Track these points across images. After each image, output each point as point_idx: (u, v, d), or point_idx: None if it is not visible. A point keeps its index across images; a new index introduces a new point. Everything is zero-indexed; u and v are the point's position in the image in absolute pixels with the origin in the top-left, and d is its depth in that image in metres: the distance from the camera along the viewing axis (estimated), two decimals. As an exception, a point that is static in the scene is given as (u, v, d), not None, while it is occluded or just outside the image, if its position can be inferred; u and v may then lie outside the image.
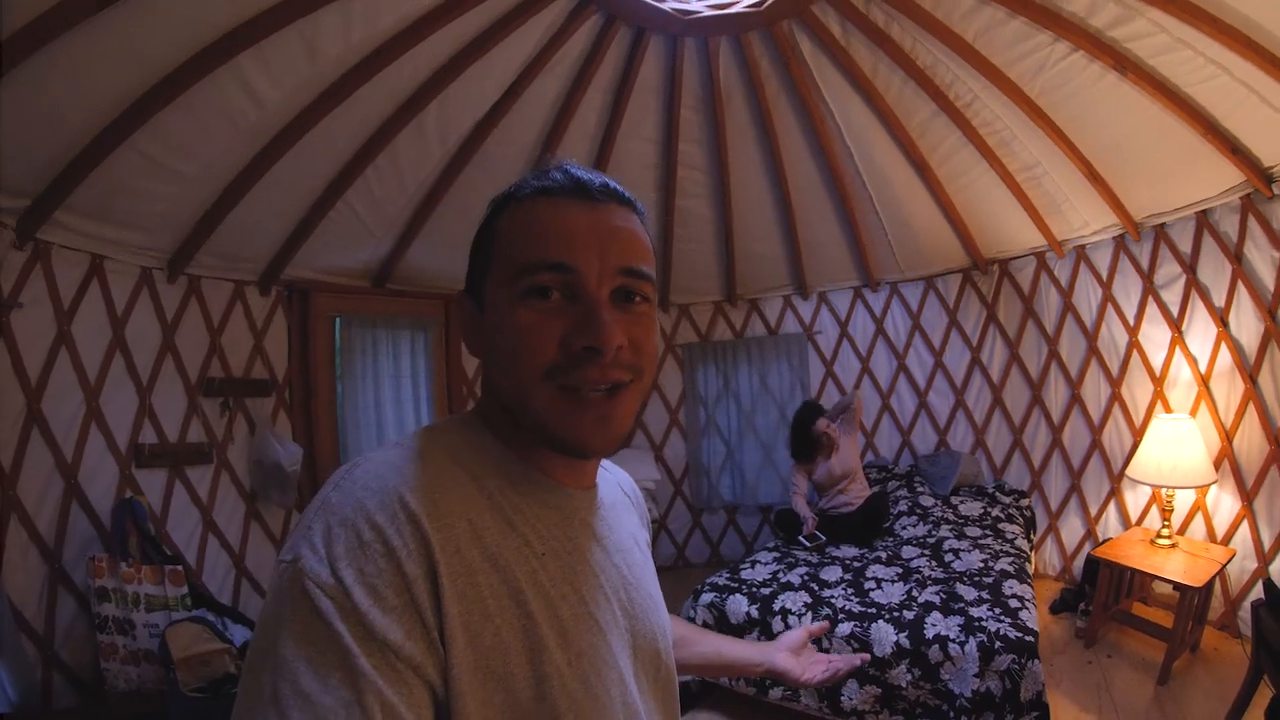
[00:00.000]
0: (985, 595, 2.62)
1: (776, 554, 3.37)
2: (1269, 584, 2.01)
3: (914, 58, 2.92)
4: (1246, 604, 2.82)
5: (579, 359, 0.55)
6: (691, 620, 2.85)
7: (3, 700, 2.08)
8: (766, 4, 2.75)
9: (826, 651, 2.48)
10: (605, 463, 0.75)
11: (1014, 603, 2.54)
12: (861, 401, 3.36)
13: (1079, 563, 3.57)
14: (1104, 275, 3.54)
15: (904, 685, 2.36)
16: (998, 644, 2.26)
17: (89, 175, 2.30)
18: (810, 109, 3.28)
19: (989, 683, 2.22)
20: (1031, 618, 2.44)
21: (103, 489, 2.64)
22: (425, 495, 0.51)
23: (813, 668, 1.01)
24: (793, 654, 1.02)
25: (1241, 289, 2.95)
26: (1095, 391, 3.65)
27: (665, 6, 2.78)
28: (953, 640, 2.33)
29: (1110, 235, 3.46)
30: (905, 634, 2.41)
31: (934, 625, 2.42)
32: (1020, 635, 2.27)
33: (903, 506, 3.78)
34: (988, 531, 3.36)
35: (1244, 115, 2.57)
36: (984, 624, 2.37)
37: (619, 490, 0.77)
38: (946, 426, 4.26)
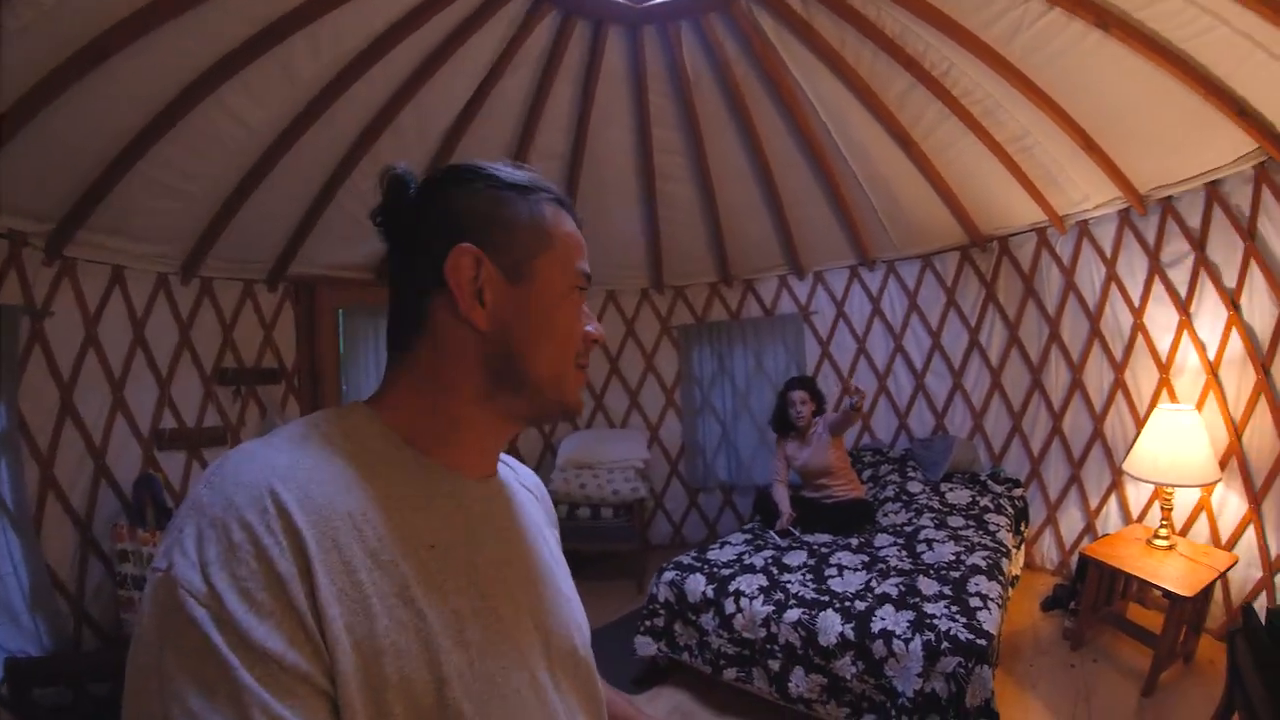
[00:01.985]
0: (947, 591, 2.41)
1: (749, 535, 3.22)
2: (1248, 611, 1.73)
3: (881, 27, 2.67)
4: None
5: (587, 342, 0.63)
6: (654, 596, 2.79)
7: (38, 646, 2.35)
8: (719, -16, 2.57)
9: (774, 638, 2.40)
10: (507, 457, 0.71)
11: (975, 601, 2.33)
12: (859, 413, 3.14)
13: (1077, 557, 3.24)
14: (1108, 252, 3.16)
15: (848, 677, 2.21)
16: (945, 644, 2.07)
17: (104, 199, 2.53)
18: (781, 87, 3.06)
19: (934, 684, 2.04)
20: (990, 620, 2.22)
21: (128, 469, 2.88)
22: (299, 486, 0.46)
23: None
24: None
25: (1255, 268, 2.58)
26: (1097, 377, 3.28)
27: (617, -2, 2.64)
28: (898, 636, 2.15)
29: (1114, 209, 3.08)
30: (852, 625, 2.25)
31: (883, 619, 2.24)
32: (971, 638, 2.07)
33: (889, 492, 3.53)
34: (971, 522, 3.09)
35: (1250, 72, 2.19)
36: (935, 622, 2.18)
37: (522, 486, 0.73)
38: (944, 410, 3.95)
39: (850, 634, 2.23)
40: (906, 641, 2.13)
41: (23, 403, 2.48)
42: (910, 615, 2.24)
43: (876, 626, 2.22)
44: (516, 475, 0.73)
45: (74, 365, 2.70)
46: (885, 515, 3.35)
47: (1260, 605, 2.60)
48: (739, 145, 3.51)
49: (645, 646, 2.75)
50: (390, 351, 0.60)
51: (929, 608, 2.29)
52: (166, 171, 2.61)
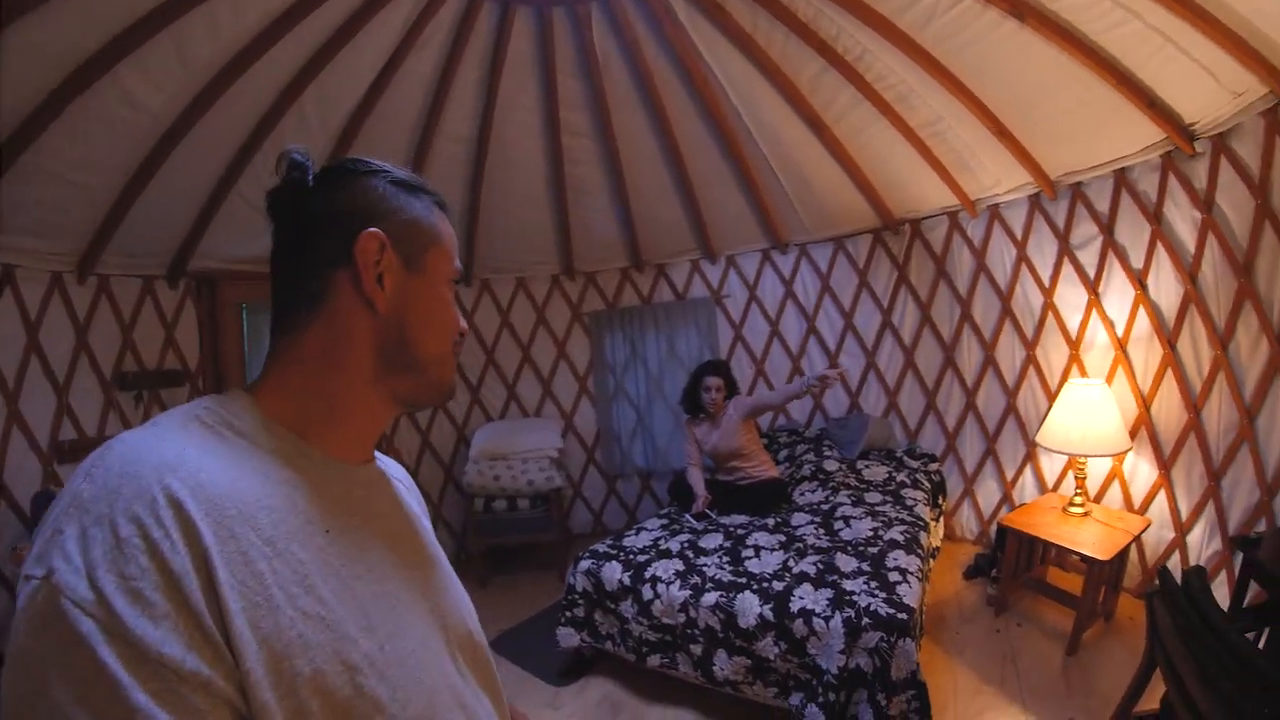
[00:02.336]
0: (865, 567, 2.42)
1: (664, 520, 3.19)
2: (1164, 573, 1.77)
3: (794, 10, 2.64)
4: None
5: (461, 335, 0.66)
6: (571, 587, 2.73)
7: None
8: (629, -36, 2.51)
9: (694, 622, 2.36)
10: (375, 452, 0.70)
11: (894, 576, 2.34)
12: (781, 404, 3.12)
13: (995, 527, 3.33)
14: (1019, 235, 3.23)
15: (772, 658, 2.20)
16: (865, 620, 2.07)
17: None
18: (692, 70, 3.02)
19: (857, 660, 2.04)
20: (910, 593, 2.23)
21: (27, 486, 2.67)
22: (189, 475, 0.43)
23: None
24: None
25: (1161, 251, 2.68)
26: (1010, 354, 3.36)
27: (524, -22, 2.55)
28: (818, 615, 2.14)
29: (1025, 194, 3.15)
30: (770, 606, 2.24)
31: (801, 598, 2.23)
32: (892, 613, 2.08)
33: (806, 471, 3.54)
34: (888, 497, 3.13)
35: (1159, 66, 2.27)
36: (854, 598, 2.18)
37: (394, 477, 0.72)
38: (858, 389, 4.00)
39: (769, 615, 2.22)
40: (827, 619, 2.12)
41: None
42: (829, 593, 2.24)
43: (795, 606, 2.20)
44: (386, 467, 0.71)
45: None
46: (802, 494, 3.35)
47: (1175, 565, 2.72)
48: (649, 128, 3.45)
49: (568, 638, 2.69)
50: (275, 335, 0.59)
51: (848, 584, 2.29)
52: (55, 161, 2.43)
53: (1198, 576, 1.59)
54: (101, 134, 2.47)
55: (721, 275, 4.35)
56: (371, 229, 0.57)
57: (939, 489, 3.48)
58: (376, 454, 0.69)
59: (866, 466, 3.48)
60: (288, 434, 0.55)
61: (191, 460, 0.45)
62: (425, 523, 0.72)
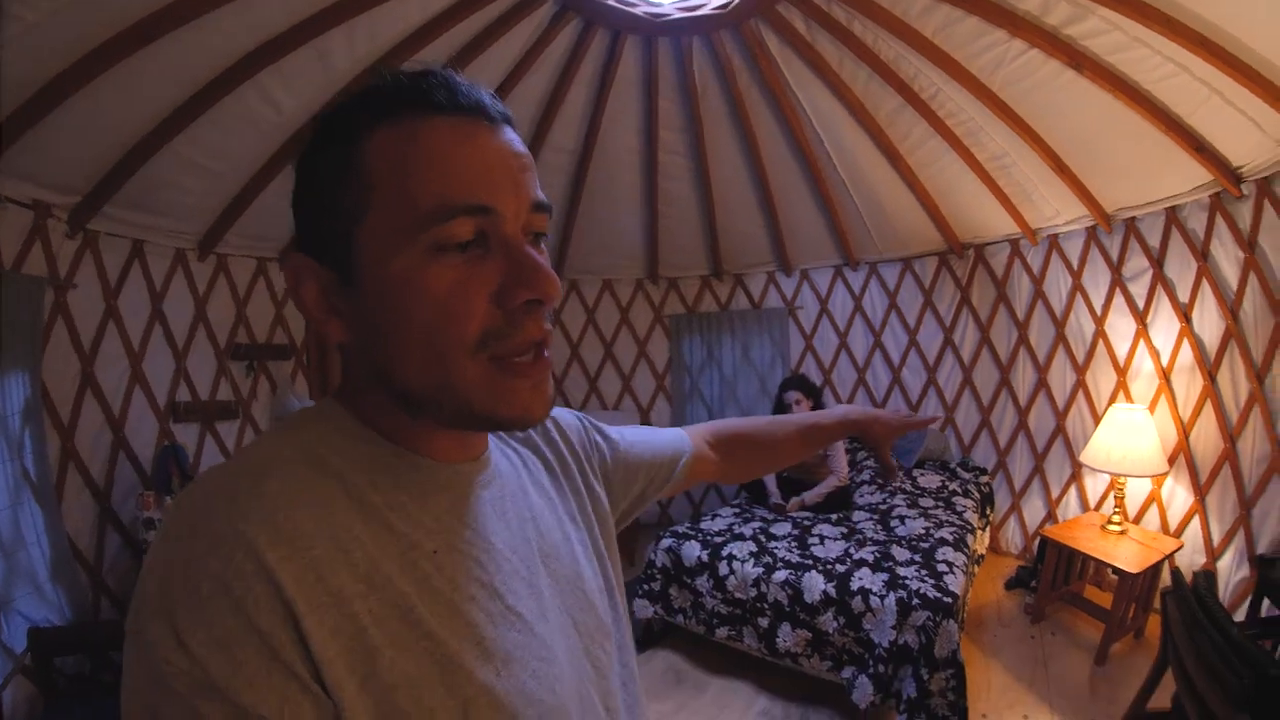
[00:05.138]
0: (917, 558, 2.85)
1: (737, 509, 3.65)
2: (1176, 573, 2.01)
3: (877, 52, 3.09)
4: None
5: (518, 316, 0.47)
6: (651, 563, 3.16)
7: (60, 616, 2.50)
8: (733, 5, 2.97)
9: (764, 597, 2.80)
10: None
11: (942, 567, 2.77)
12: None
13: (1039, 541, 3.72)
14: (1075, 265, 3.64)
15: (830, 632, 2.63)
16: (915, 600, 2.49)
17: (133, 174, 2.69)
18: (781, 99, 3.49)
19: (906, 636, 2.46)
20: (955, 582, 2.65)
21: (145, 441, 3.08)
22: (267, 519, 0.42)
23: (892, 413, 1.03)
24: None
25: (1206, 286, 3.00)
26: (1061, 378, 3.78)
27: (638, 11, 3.03)
28: (874, 593, 2.57)
29: (1082, 226, 3.55)
30: (833, 584, 2.67)
31: (861, 579, 2.67)
32: (939, 595, 2.49)
33: (865, 476, 4.00)
34: (940, 503, 3.56)
35: (1207, 114, 2.60)
36: (907, 582, 2.60)
37: (529, 439, 0.70)
38: (918, 403, 4.45)
39: (832, 592, 2.65)
40: (882, 598, 2.55)
41: (45, 374, 2.58)
42: (885, 576, 2.67)
43: (855, 585, 2.64)
44: (512, 448, 0.68)
45: (95, 338, 2.86)
46: (861, 496, 3.80)
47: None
48: (738, 149, 3.93)
49: (643, 609, 3.14)
50: None
51: (901, 571, 2.72)
52: (196, 149, 2.78)
53: (1205, 578, 1.88)
54: (240, 128, 2.81)
55: (795, 287, 4.88)
56: (292, 254, 0.50)
57: (988, 500, 3.89)
58: None
59: (922, 474, 3.93)
60: (385, 443, 0.51)
61: (270, 500, 0.43)
62: (561, 501, 0.68)
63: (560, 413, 0.75)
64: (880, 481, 3.90)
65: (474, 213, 0.46)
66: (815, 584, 2.71)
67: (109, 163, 2.63)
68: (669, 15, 3.06)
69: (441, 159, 0.45)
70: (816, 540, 3.12)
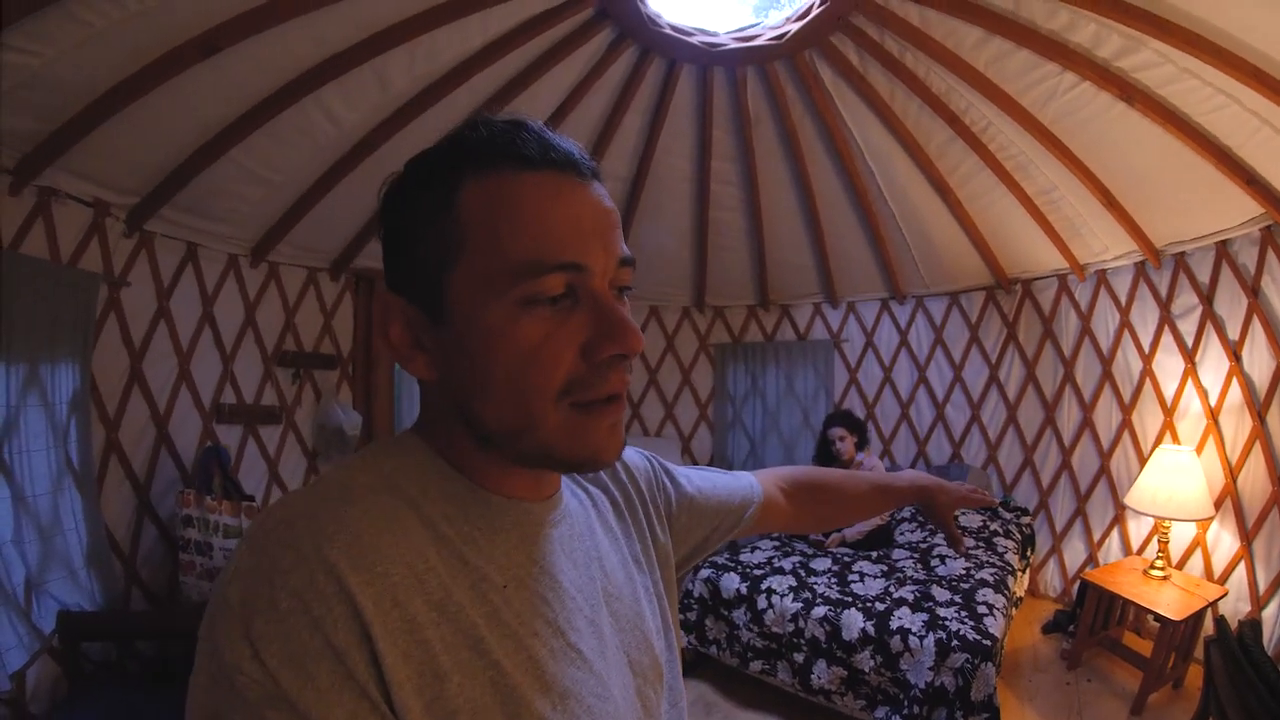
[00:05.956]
0: (957, 599, 2.85)
1: (777, 542, 3.68)
2: (1221, 621, 2.03)
3: (928, 85, 3.13)
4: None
5: (603, 368, 0.50)
6: (689, 593, 3.19)
7: (91, 602, 2.55)
8: (788, 36, 3.04)
9: (801, 633, 2.82)
10: None
11: (982, 609, 2.76)
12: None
13: (1078, 585, 3.68)
14: (1123, 301, 3.63)
15: (867, 670, 2.65)
16: (955, 642, 2.50)
17: (191, 180, 2.79)
18: (833, 131, 3.54)
19: (943, 678, 2.47)
20: (995, 625, 2.65)
21: (187, 439, 3.18)
22: (349, 543, 0.44)
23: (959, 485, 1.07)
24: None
25: (1257, 324, 2.98)
26: (1107, 417, 3.76)
27: (694, 40, 3.10)
28: (913, 633, 2.59)
29: (1131, 261, 3.54)
30: (872, 622, 2.69)
31: (900, 618, 2.68)
32: (978, 638, 2.50)
33: (906, 512, 3.99)
34: (981, 543, 3.55)
35: (1258, 145, 2.60)
36: (947, 623, 2.61)
37: (598, 481, 0.72)
38: (961, 439, 4.44)
39: (871, 630, 2.67)
40: (921, 638, 2.56)
41: (95, 367, 2.68)
42: (925, 616, 2.68)
43: (895, 624, 2.65)
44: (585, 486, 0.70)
45: (145, 335, 2.97)
46: (902, 534, 3.80)
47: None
48: (789, 180, 3.99)
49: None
50: None
51: (941, 611, 2.72)
52: (254, 159, 2.87)
53: (1251, 628, 1.90)
54: (298, 140, 2.89)
55: (841, 320, 4.92)
56: (384, 293, 0.53)
57: (1028, 542, 3.87)
58: None
59: (963, 514, 3.89)
60: (461, 478, 0.54)
61: (353, 523, 0.45)
62: (626, 541, 0.70)
63: (629, 454, 0.77)
64: (933, 529, 3.88)
65: (566, 269, 0.48)
66: (854, 621, 2.73)
67: (168, 167, 2.74)
68: (724, 45, 3.13)
69: (535, 215, 0.48)
70: (856, 577, 3.14)
